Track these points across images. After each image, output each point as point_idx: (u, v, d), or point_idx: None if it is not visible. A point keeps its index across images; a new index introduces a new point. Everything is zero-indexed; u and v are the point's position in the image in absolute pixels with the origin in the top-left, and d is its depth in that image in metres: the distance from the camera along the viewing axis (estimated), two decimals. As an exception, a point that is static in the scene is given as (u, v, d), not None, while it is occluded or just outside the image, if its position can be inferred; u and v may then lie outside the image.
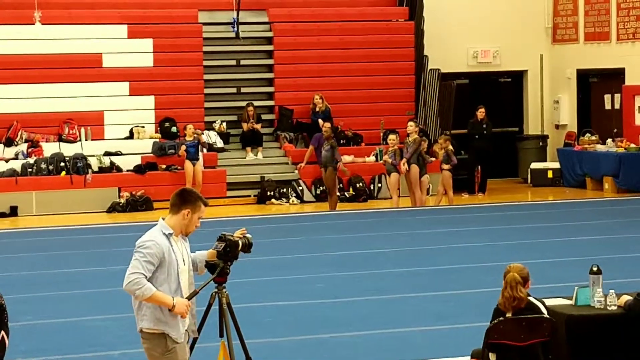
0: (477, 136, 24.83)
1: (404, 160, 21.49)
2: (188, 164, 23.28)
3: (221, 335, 7.73)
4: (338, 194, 23.81)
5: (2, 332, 7.34)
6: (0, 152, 23.23)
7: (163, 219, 7.31)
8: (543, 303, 7.88)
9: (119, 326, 11.19)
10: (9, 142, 23.36)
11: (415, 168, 21.58)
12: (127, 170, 23.52)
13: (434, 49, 26.31)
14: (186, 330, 7.30)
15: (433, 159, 22.48)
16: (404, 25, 26.60)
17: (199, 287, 7.36)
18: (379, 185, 24.37)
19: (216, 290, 7.73)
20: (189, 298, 7.21)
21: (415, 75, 26.21)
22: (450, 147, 22.71)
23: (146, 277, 7.03)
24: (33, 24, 23.18)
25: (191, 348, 7.49)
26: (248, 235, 7.73)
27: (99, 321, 11.60)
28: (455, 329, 10.93)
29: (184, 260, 7.27)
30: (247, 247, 7.70)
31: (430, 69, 26.12)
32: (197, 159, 23.44)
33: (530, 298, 7.74)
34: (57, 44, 24.23)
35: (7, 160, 23.05)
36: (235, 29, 25.44)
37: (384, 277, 14.14)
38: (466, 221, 19.76)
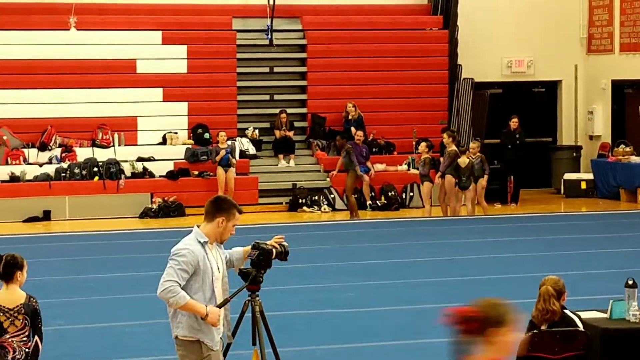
0: (510, 146, 24.70)
1: (439, 173, 21.60)
2: (220, 170, 23.32)
3: (254, 344, 7.71)
4: (370, 202, 23.84)
5: (36, 337, 7.38)
6: (34, 157, 23.36)
7: (198, 226, 7.28)
8: (578, 316, 7.81)
9: (151, 332, 11.20)
10: (43, 147, 23.49)
11: (450, 178, 21.56)
12: (160, 176, 23.59)
13: (467, 58, 26.23)
14: (221, 337, 7.29)
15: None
16: (437, 34, 26.53)
17: (231, 295, 7.35)
18: (411, 194, 24.31)
19: (249, 298, 7.72)
20: (220, 306, 7.19)
21: (449, 84, 26.14)
22: (482, 155, 22.59)
23: (180, 285, 7.01)
24: (68, 30, 23.34)
25: (224, 354, 7.47)
26: (285, 243, 7.69)
27: (130, 327, 11.62)
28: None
29: (218, 268, 7.25)
30: (284, 255, 7.67)
31: (464, 78, 26.04)
32: (230, 166, 23.47)
33: (566, 311, 7.67)
34: (91, 50, 24.35)
35: (40, 165, 23.18)
36: (269, 36, 25.47)
37: (415, 287, 14.08)
38: (499, 231, 19.66)
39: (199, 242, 7.17)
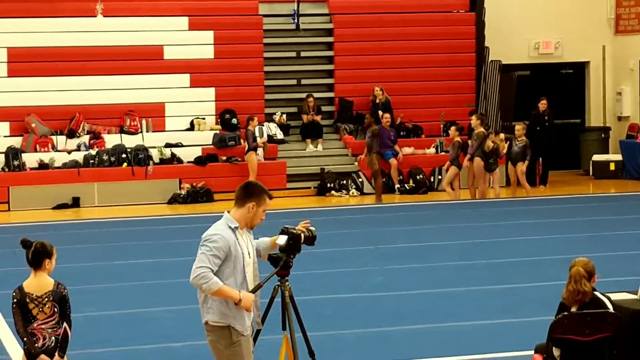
0: (538, 128, 24.58)
1: (467, 156, 21.54)
2: (253, 155, 23.26)
3: (284, 328, 7.72)
4: (398, 185, 23.82)
5: (65, 323, 7.42)
6: (63, 144, 23.46)
7: (228, 212, 7.28)
8: (609, 298, 7.76)
9: (181, 318, 11.24)
10: (72, 134, 23.58)
11: (478, 161, 21.51)
12: (188, 162, 23.64)
13: (495, 40, 26.10)
14: (251, 323, 7.30)
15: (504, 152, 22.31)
16: (464, 16, 26.41)
17: (263, 280, 7.36)
18: (439, 177, 24.25)
19: (279, 283, 7.73)
20: (253, 291, 7.20)
21: (476, 66, 26.02)
22: (526, 139, 22.45)
23: (213, 270, 7.02)
24: (95, 17, 23.38)
25: (254, 340, 7.49)
26: (312, 228, 7.69)
27: (160, 313, 11.66)
28: (518, 323, 10.83)
29: (249, 253, 7.26)
30: (311, 239, 7.67)
31: (491, 61, 25.92)
32: (256, 149, 23.51)
33: (596, 293, 7.63)
34: (118, 36, 24.41)
35: (69, 152, 23.28)
36: (296, 20, 25.44)
37: (444, 270, 14.06)
38: (527, 214, 19.59)
39: (230, 227, 7.17)
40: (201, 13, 25.01)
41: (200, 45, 24.87)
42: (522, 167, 22.18)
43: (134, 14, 24.63)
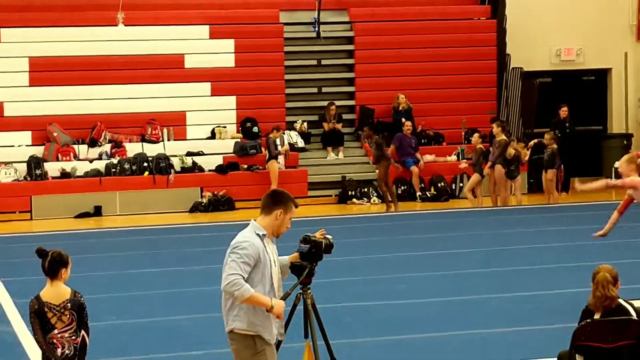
0: (559, 135, 24.49)
1: (489, 163, 21.49)
2: (275, 163, 23.27)
3: (306, 336, 7.71)
4: (419, 193, 23.78)
5: (83, 331, 7.42)
6: (85, 153, 23.54)
7: (254, 220, 7.29)
8: (632, 305, 7.71)
9: (202, 326, 11.23)
10: (93, 143, 23.66)
11: (499, 168, 21.45)
12: (209, 170, 23.67)
13: (516, 47, 26.05)
14: (277, 331, 7.30)
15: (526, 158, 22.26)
16: (486, 23, 26.37)
17: (291, 287, 7.39)
18: (461, 184, 24.20)
19: (301, 291, 7.72)
20: (283, 298, 7.22)
21: (497, 74, 25.97)
22: (555, 146, 22.39)
23: (244, 277, 7.02)
24: (116, 26, 23.48)
25: (276, 348, 7.46)
26: (328, 236, 7.72)
27: (182, 321, 11.65)
28: (541, 331, 10.76)
29: (275, 262, 7.28)
30: (329, 248, 7.69)
31: (513, 68, 25.86)
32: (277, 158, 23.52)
33: (620, 300, 7.58)
34: (139, 45, 24.49)
35: (91, 161, 23.35)
36: (317, 28, 25.46)
37: (466, 277, 14.00)
38: (548, 221, 19.50)
39: (258, 235, 7.18)
40: (222, 21, 25.07)
41: (221, 53, 24.93)
42: (550, 174, 22.14)
43: (155, 22, 24.72)
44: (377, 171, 22.81)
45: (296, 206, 7.34)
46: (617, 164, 11.27)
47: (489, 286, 13.30)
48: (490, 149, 22.03)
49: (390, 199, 22.26)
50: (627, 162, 11.35)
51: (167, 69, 24.48)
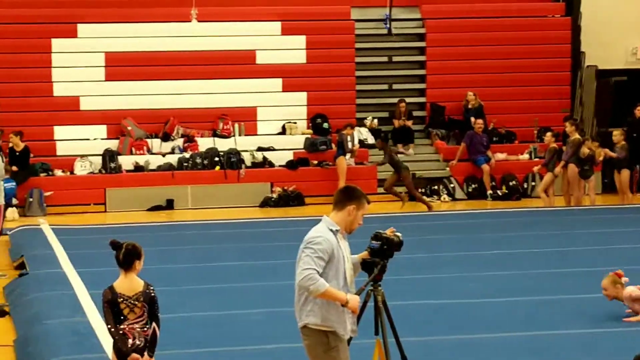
0: (635, 135, 24.16)
1: (561, 162, 21.26)
2: (343, 159, 23.29)
3: (376, 333, 7.70)
4: (490, 191, 23.64)
5: (154, 323, 7.51)
6: (158, 147, 23.78)
7: (327, 216, 7.31)
8: None
9: (273, 320, 11.27)
10: (166, 137, 23.90)
11: (572, 168, 21.22)
12: (279, 166, 23.77)
13: (591, 45, 25.76)
14: (352, 327, 7.32)
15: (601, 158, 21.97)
16: (560, 21, 26.13)
17: (364, 283, 7.41)
18: (533, 183, 24.00)
19: (372, 288, 7.72)
20: (358, 294, 7.25)
21: (572, 72, 25.72)
22: (624, 143, 22.10)
23: (318, 272, 7.04)
24: (189, 22, 23.70)
25: (347, 344, 7.48)
26: (398, 234, 7.72)
27: (253, 315, 11.70)
28: (614, 333, 10.64)
29: (347, 257, 7.30)
30: (398, 245, 7.69)
31: (587, 66, 25.59)
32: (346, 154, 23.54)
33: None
34: (212, 41, 24.67)
35: (163, 155, 23.59)
36: (388, 25, 25.43)
37: (538, 278, 13.88)
38: (624, 222, 19.25)
39: (331, 230, 7.21)
40: (294, 18, 25.15)
41: (292, 50, 25.02)
42: (624, 173, 21.85)
43: (227, 19, 24.88)
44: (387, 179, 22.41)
45: (368, 202, 7.37)
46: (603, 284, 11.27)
47: (560, 287, 13.16)
48: (564, 148, 21.81)
49: (421, 199, 22.02)
50: (612, 284, 11.30)
51: (239, 64, 24.63)
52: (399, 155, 22.69)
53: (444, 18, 25.77)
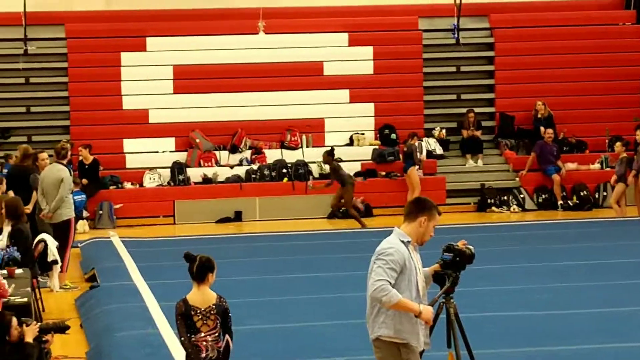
0: None
1: (633, 172, 20.91)
2: (415, 170, 23.13)
3: (449, 346, 7.64)
4: (561, 202, 23.37)
5: (227, 335, 7.50)
6: (226, 159, 23.87)
7: (398, 227, 7.28)
8: None
9: (343, 333, 11.21)
10: (234, 149, 23.98)
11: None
12: (348, 177, 23.66)
13: (663, 52, 25.39)
14: (425, 340, 7.26)
15: None
16: (630, 29, 25.81)
17: (437, 294, 7.38)
18: (604, 193, 23.67)
19: (444, 300, 7.66)
20: (431, 304, 7.20)
21: (643, 80, 25.36)
22: None
23: (391, 283, 7.02)
24: (257, 34, 23.79)
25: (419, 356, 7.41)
26: (470, 246, 7.70)
27: (322, 327, 11.66)
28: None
29: (419, 269, 7.25)
30: (470, 258, 7.68)
31: (659, 73, 25.22)
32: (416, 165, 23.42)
33: None
34: (279, 53, 24.73)
35: (231, 167, 23.67)
36: (456, 35, 25.29)
37: (612, 289, 13.65)
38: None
39: (402, 241, 7.18)
40: (361, 29, 25.12)
41: (359, 60, 24.98)
42: None
43: (295, 30, 24.92)
44: (340, 198, 21.54)
45: (439, 214, 7.34)
46: None
47: (634, 298, 12.94)
48: (635, 157, 21.47)
49: (356, 217, 21.37)
50: None
51: (306, 76, 24.65)
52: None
53: (512, 27, 25.55)
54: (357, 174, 23.66)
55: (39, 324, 7.85)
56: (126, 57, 24.37)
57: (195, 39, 24.56)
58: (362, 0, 25.52)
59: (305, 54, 24.81)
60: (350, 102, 24.82)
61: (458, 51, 25.52)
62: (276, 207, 22.95)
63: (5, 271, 10.91)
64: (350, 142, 24.55)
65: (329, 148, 22.54)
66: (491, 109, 25.48)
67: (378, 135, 24.70)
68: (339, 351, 10.44)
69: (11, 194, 15.19)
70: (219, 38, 24.64)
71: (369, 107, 24.84)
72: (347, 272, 14.96)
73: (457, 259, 7.55)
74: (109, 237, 19.62)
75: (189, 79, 24.23)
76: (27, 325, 7.71)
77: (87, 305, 13.23)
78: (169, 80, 24.34)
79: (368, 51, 25.03)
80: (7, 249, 12.20)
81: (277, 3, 25.16)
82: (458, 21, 25.30)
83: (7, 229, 13.29)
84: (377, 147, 24.30)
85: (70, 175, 15.78)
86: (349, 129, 24.68)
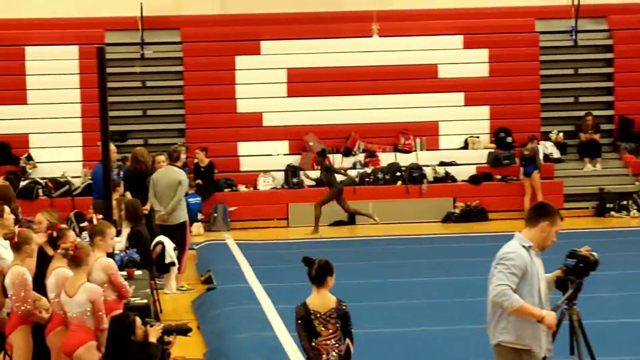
0: None
1: None
2: (537, 174, 22.80)
3: (572, 353, 7.48)
4: None
5: (347, 339, 7.45)
6: (339, 162, 23.85)
7: (520, 232, 7.16)
8: None
9: (461, 338, 11.08)
10: (347, 152, 23.96)
11: None
12: (462, 181, 23.49)
13: None
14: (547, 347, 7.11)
15: None
16: None
17: (560, 300, 7.26)
18: None
19: (566, 307, 7.49)
20: (554, 310, 7.06)
21: None
22: None
23: (512, 288, 6.94)
24: (371, 37, 23.73)
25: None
26: (594, 253, 7.54)
27: (439, 332, 11.55)
28: None
29: (541, 274, 7.13)
30: (594, 264, 7.53)
31: None
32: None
33: None
34: (393, 56, 24.63)
35: (345, 170, 23.62)
36: (574, 37, 24.85)
37: None
38: None
39: (523, 246, 7.07)
40: (476, 31, 24.86)
41: (474, 63, 24.72)
42: None
43: (409, 33, 24.78)
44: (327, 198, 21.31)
45: (561, 219, 7.22)
46: None
47: None
48: None
49: (317, 221, 21.03)
50: None
51: (420, 79, 24.49)
52: (350, 172, 21.61)
53: (632, 29, 24.97)
54: (471, 178, 23.43)
55: (163, 325, 7.91)
56: (240, 61, 24.55)
57: (309, 42, 24.61)
58: (478, 2, 25.22)
59: (419, 56, 24.65)
60: (465, 105, 24.57)
61: (576, 53, 25.06)
62: (390, 211, 22.81)
63: (125, 272, 11.03)
64: (465, 146, 24.31)
65: (320, 150, 22.30)
66: (610, 112, 24.95)
67: (493, 139, 24.40)
68: (457, 356, 10.33)
69: (128, 195, 15.40)
70: (333, 41, 24.64)
71: (484, 110, 24.56)
72: (462, 276, 14.79)
73: (581, 265, 7.42)
74: (224, 240, 19.77)
75: (303, 82, 24.28)
76: (151, 326, 7.78)
77: (203, 307, 13.32)
78: (283, 83, 24.44)
79: (483, 53, 24.75)
80: (126, 251, 12.35)
81: (392, 5, 25.06)
82: (576, 23, 24.84)
83: (126, 230, 13.48)
84: (492, 150, 24.01)
85: (187, 177, 15.94)
86: (463, 132, 24.44)
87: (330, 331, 7.45)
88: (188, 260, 16.03)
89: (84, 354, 8.24)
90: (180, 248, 14.95)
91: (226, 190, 23.27)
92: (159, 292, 13.68)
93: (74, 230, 12.56)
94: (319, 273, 7.51)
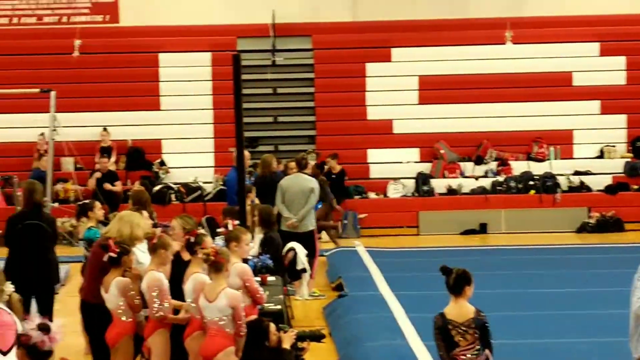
0: None
1: None
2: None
3: None
4: None
5: (486, 350, 7.29)
6: (470, 170, 23.59)
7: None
8: None
9: (600, 351, 10.78)
10: (479, 160, 23.67)
11: None
12: (597, 190, 22.97)
13: None
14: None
15: None
16: None
17: None
18: None
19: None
20: None
21: None
22: None
23: None
24: (504, 44, 23.41)
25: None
26: None
27: (576, 344, 11.27)
28: None
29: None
30: None
31: None
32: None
33: None
34: (526, 63, 24.27)
35: (477, 178, 23.37)
36: None
37: None
38: None
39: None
40: (613, 38, 24.30)
41: (611, 71, 24.17)
42: None
43: (543, 40, 24.38)
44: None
45: None
46: None
47: None
48: None
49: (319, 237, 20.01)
50: None
51: (554, 87, 24.05)
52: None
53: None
54: (607, 187, 22.90)
55: (296, 331, 7.87)
56: (371, 68, 24.49)
57: (440, 49, 24.41)
58: (615, 9, 24.63)
59: (553, 64, 24.22)
60: (601, 114, 24.02)
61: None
62: (522, 220, 22.44)
63: (259, 278, 11.04)
64: (601, 155, 23.76)
65: (316, 163, 21.73)
66: None
67: (630, 148, 23.80)
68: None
69: (257, 201, 15.46)
70: (465, 48, 24.39)
71: (621, 119, 23.97)
72: (598, 288, 14.46)
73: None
74: (354, 247, 19.72)
75: (434, 90, 24.08)
76: (285, 332, 7.74)
77: (334, 314, 13.27)
78: (414, 90, 24.28)
79: (620, 61, 24.18)
80: (259, 257, 12.37)
81: (525, 13, 24.68)
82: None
83: (259, 236, 13.52)
84: (629, 159, 23.43)
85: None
86: (599, 140, 23.90)
87: (469, 342, 7.30)
88: (318, 267, 16.01)
89: (223, 359, 8.24)
90: (311, 254, 14.95)
91: (356, 197, 23.22)
92: (290, 299, 13.68)
93: (206, 235, 12.62)
94: (457, 282, 7.37)
